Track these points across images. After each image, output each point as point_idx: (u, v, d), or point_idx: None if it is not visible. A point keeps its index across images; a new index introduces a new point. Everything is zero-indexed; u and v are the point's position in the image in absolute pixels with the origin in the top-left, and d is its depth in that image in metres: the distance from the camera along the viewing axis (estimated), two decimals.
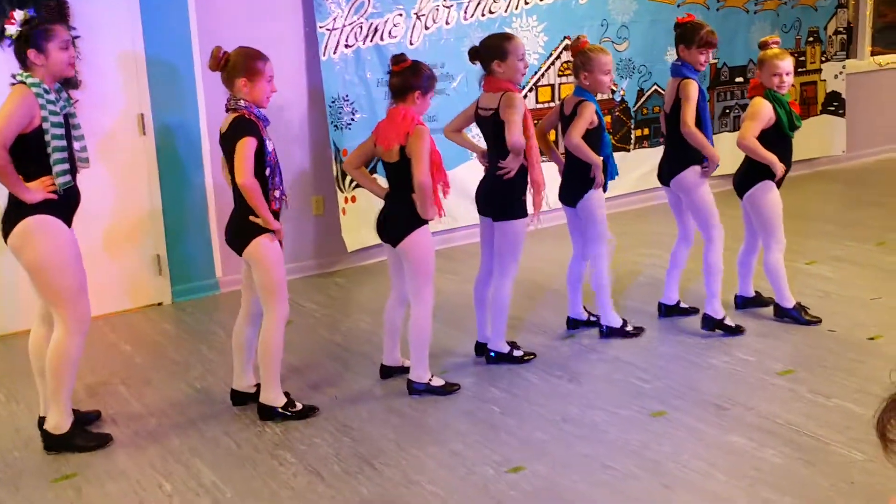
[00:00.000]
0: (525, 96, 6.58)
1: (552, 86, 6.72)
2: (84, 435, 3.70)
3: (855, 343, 4.43)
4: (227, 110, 3.72)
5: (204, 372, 4.45)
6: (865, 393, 3.87)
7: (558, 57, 6.68)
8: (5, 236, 3.52)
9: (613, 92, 6.98)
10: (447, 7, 6.12)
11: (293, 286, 5.69)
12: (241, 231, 3.73)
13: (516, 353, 4.36)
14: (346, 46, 5.79)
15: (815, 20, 7.98)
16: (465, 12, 6.20)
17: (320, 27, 5.69)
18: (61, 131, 3.48)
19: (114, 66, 5.16)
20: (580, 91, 4.45)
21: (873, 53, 8.66)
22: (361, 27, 5.82)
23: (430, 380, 4.05)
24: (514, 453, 3.50)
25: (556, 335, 4.69)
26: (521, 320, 4.88)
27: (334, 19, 5.72)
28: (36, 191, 3.43)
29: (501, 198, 4.17)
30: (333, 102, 5.79)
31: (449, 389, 4.07)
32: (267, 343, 3.78)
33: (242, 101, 3.66)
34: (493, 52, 4.09)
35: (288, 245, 5.79)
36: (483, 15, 6.27)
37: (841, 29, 8.16)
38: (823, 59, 8.11)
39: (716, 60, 7.42)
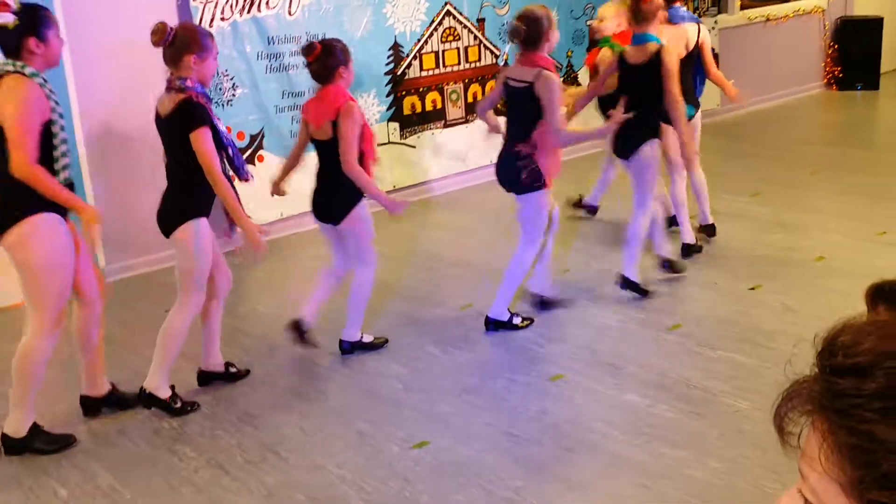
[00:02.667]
0: (409, 65, 6.55)
1: (436, 53, 6.68)
2: (45, 437, 3.55)
3: (737, 294, 4.64)
4: (169, 90, 3.54)
5: None
6: (749, 343, 4.06)
7: (440, 23, 6.64)
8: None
9: (497, 56, 7.01)
10: None
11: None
12: (171, 214, 3.64)
13: (516, 319, 4.38)
14: (223, 19, 5.60)
15: None
16: None
17: (193, 0, 5.47)
18: (63, 123, 3.37)
19: None
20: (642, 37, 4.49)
21: (742, 7, 8.98)
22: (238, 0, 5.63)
23: (360, 337, 4.21)
24: (418, 428, 3.53)
25: (454, 307, 4.72)
26: (425, 293, 4.90)
27: None
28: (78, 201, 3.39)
29: (518, 173, 4.18)
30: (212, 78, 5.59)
31: (378, 343, 4.24)
32: (172, 329, 3.69)
33: (189, 81, 3.50)
34: (539, 28, 4.06)
35: None
36: None
37: None
38: (697, 15, 8.33)
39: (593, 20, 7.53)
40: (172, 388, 3.78)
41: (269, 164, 5.86)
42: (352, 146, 3.81)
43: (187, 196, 3.61)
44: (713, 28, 8.48)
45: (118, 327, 4.58)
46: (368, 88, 6.32)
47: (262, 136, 5.88)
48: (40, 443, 3.53)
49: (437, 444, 3.40)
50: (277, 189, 4.27)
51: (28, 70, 3.25)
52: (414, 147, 6.70)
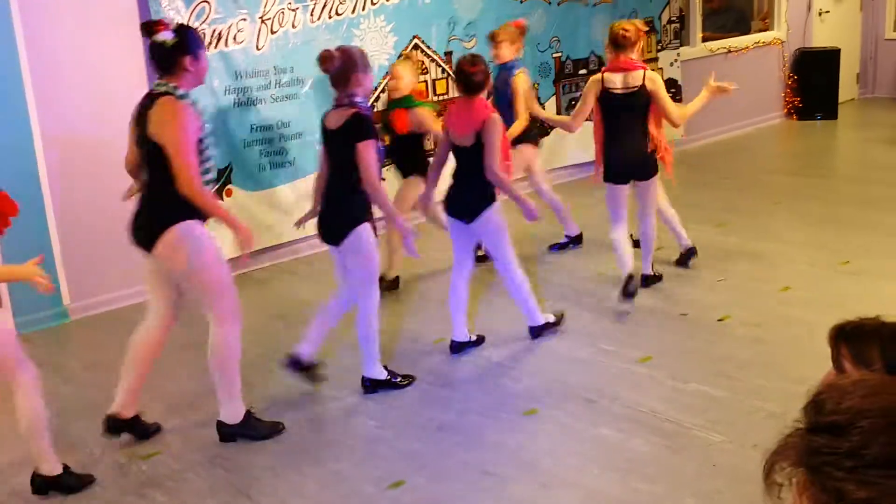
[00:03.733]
0: (377, 98, 6.56)
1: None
2: (257, 423, 3.79)
3: (706, 325, 4.68)
4: (338, 106, 3.94)
5: (59, 409, 4.20)
6: (720, 375, 4.10)
7: (408, 57, 6.67)
8: (148, 245, 3.51)
9: None
10: (293, 10, 5.99)
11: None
12: (343, 221, 3.91)
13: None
14: None
15: (650, 10, 8.33)
16: (312, 15, 6.10)
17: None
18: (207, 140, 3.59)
19: None
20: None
21: (704, 39, 9.15)
22: (204, 34, 5.61)
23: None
24: (393, 467, 3.50)
25: (427, 341, 4.71)
26: (396, 326, 4.88)
27: None
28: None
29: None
30: None
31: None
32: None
33: (357, 97, 3.91)
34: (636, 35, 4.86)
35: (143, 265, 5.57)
36: (330, 17, 6.19)
37: (674, 18, 8.56)
38: (659, 47, 8.48)
39: (559, 53, 7.63)
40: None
41: (236, 198, 5.82)
42: (497, 153, 4.17)
43: (355, 204, 3.92)
44: (675, 60, 8.62)
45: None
46: None
47: (230, 171, 5.85)
48: (252, 429, 3.73)
49: (413, 483, 3.37)
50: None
51: (179, 92, 3.47)
52: (384, 179, 6.68)
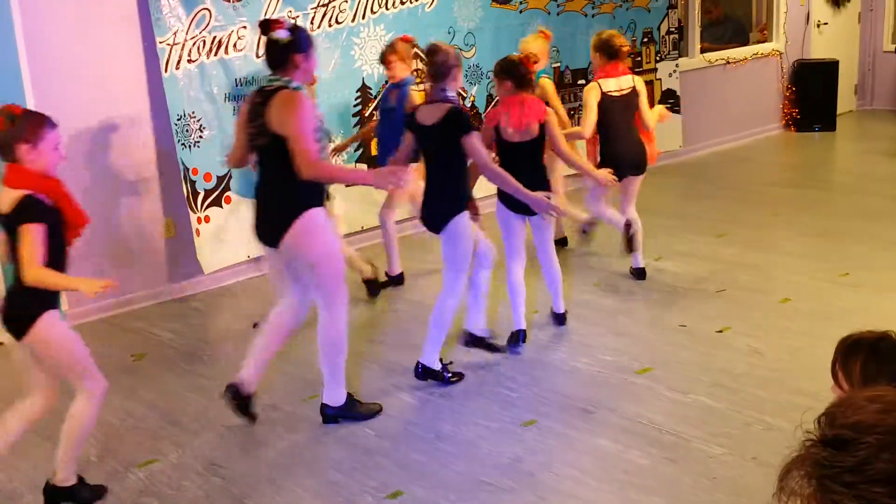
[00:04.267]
0: (377, 106, 6.55)
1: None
2: (359, 405, 3.99)
3: (705, 336, 4.67)
4: (432, 102, 4.16)
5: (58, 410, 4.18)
6: (719, 386, 4.08)
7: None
8: (276, 240, 3.67)
9: (463, 98, 7.06)
10: (293, 18, 5.98)
11: (148, 313, 5.46)
12: (442, 210, 4.12)
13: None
14: (190, 61, 5.58)
15: (649, 21, 8.36)
16: (312, 23, 6.10)
17: (160, 42, 5.45)
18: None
19: None
20: None
21: (703, 50, 9.17)
22: (205, 41, 5.62)
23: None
24: (391, 477, 3.48)
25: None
26: (393, 336, 4.86)
27: (175, 34, 5.49)
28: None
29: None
30: (179, 120, 5.56)
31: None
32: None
33: (451, 93, 4.17)
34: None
35: (140, 271, 5.57)
36: (330, 25, 6.20)
37: (673, 29, 8.57)
38: (658, 58, 8.50)
39: (558, 63, 7.63)
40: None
41: (235, 206, 5.81)
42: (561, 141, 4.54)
43: (455, 192, 4.09)
44: (674, 71, 8.64)
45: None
46: (337, 129, 6.31)
47: (229, 178, 5.83)
48: (356, 411, 3.91)
49: (411, 494, 3.35)
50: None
51: (293, 84, 3.62)
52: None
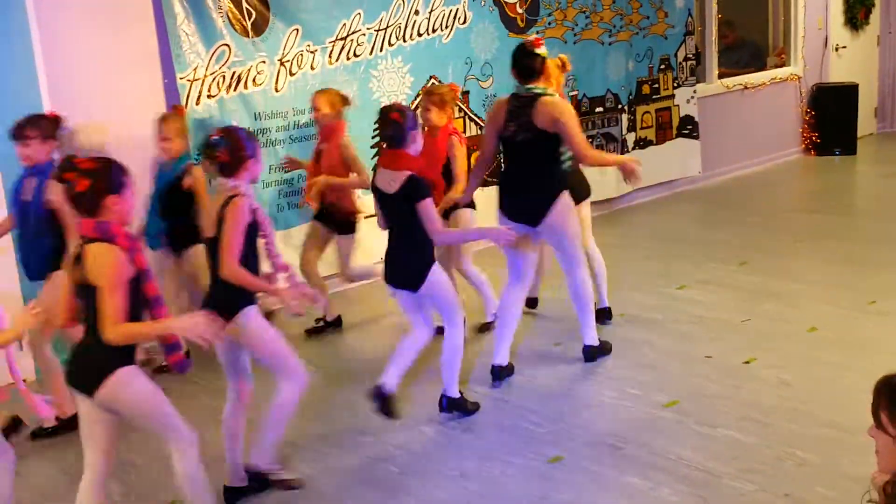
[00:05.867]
0: None
1: (421, 125, 6.71)
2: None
3: (732, 368, 4.60)
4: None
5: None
6: (748, 420, 4.01)
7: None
8: (539, 217, 4.38)
9: (481, 128, 7.05)
10: (311, 52, 6.02)
11: None
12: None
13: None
14: (209, 97, 5.60)
15: (666, 48, 8.34)
16: (330, 56, 6.13)
17: (181, 78, 5.48)
18: None
19: None
20: None
21: (720, 76, 9.14)
22: (224, 77, 5.64)
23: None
24: None
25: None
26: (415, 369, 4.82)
27: (195, 69, 5.52)
28: None
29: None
30: (200, 155, 5.57)
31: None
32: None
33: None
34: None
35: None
36: (348, 58, 6.22)
37: (690, 55, 8.56)
38: (676, 84, 8.47)
39: (576, 91, 7.62)
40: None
41: None
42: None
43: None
44: (692, 97, 8.61)
45: None
46: None
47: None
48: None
49: None
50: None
51: (549, 91, 4.43)
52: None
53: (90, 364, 2.95)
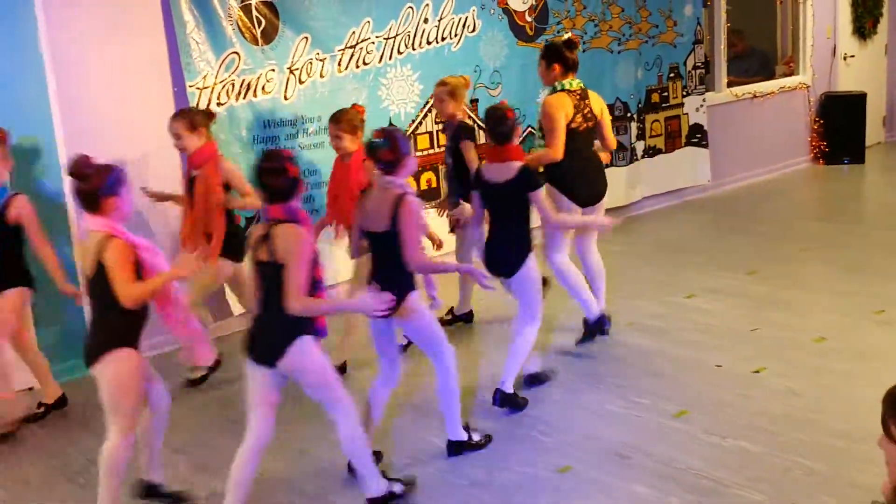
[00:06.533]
0: None
1: (430, 133, 6.74)
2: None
3: (741, 377, 4.59)
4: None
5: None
6: (756, 429, 4.00)
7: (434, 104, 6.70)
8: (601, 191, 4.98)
9: None
10: (321, 60, 6.05)
11: (172, 355, 5.44)
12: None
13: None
14: (219, 104, 5.63)
15: (675, 57, 8.35)
16: (339, 64, 6.15)
17: (190, 86, 5.51)
18: None
19: None
20: None
21: (729, 84, 9.13)
22: (233, 84, 5.67)
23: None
24: None
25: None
26: (419, 378, 4.83)
27: (204, 77, 5.55)
28: None
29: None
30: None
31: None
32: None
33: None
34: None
35: None
36: (357, 66, 6.24)
37: (699, 64, 8.56)
38: (685, 93, 8.48)
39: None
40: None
41: None
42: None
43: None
44: (701, 106, 8.60)
45: None
46: None
47: (257, 220, 5.85)
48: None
49: None
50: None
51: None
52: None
53: (273, 335, 3.25)
